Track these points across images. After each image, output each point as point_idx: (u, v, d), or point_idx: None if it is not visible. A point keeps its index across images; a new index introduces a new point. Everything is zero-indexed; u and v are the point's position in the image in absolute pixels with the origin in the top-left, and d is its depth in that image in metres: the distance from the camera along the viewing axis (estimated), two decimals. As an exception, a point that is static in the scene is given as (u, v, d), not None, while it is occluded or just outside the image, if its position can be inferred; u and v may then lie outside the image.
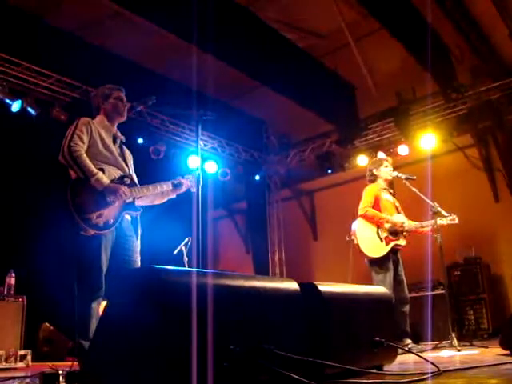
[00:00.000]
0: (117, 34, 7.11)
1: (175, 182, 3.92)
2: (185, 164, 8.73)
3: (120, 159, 3.79)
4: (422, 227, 5.58)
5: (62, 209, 3.46)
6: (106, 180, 3.51)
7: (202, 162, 4.02)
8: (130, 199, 3.66)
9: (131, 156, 4.04)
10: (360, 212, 5.61)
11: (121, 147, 3.92)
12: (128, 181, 3.71)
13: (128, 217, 3.80)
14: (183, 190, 3.97)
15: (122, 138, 3.93)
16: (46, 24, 6.88)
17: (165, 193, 3.94)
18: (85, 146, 3.56)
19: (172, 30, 6.77)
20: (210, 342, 1.89)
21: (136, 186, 3.77)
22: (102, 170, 3.57)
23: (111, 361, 1.97)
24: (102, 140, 3.71)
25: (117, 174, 3.70)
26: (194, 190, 3.90)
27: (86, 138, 3.59)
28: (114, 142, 3.85)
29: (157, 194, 3.91)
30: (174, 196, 4.03)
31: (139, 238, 5.43)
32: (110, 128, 3.85)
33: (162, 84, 7.69)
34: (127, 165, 3.85)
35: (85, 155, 3.51)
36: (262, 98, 8.92)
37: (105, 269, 3.53)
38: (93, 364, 2.11)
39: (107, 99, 3.89)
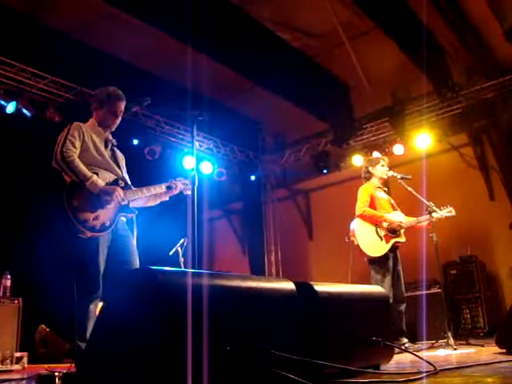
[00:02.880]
0: (112, 35, 7.09)
1: (168, 184, 3.96)
2: (180, 165, 8.71)
3: (112, 162, 3.81)
4: (420, 222, 5.58)
5: (57, 210, 3.49)
6: (100, 182, 3.54)
7: (197, 162, 4.04)
8: (125, 201, 3.68)
9: (124, 158, 4.06)
10: (357, 212, 5.62)
11: (113, 150, 3.93)
12: (122, 183, 3.73)
13: (123, 218, 3.81)
14: (176, 192, 4.00)
15: (114, 141, 3.94)
16: (41, 25, 6.86)
17: (158, 195, 3.98)
18: (77, 151, 3.58)
19: (167, 30, 6.77)
20: (206, 342, 1.89)
21: (130, 188, 3.79)
22: (95, 173, 3.59)
23: (108, 362, 1.97)
24: (95, 144, 3.73)
25: (110, 177, 3.72)
26: (188, 192, 3.94)
27: (78, 143, 3.60)
28: (106, 145, 3.86)
29: (150, 197, 3.95)
30: (167, 199, 4.06)
31: (135, 238, 5.46)
32: (101, 132, 3.86)
33: (158, 85, 7.66)
34: (119, 167, 3.86)
35: (78, 160, 3.53)
36: (257, 98, 8.92)
37: (102, 270, 3.55)
38: (89, 365, 2.10)
39: (101, 107, 3.89)
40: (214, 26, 6.15)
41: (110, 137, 3.92)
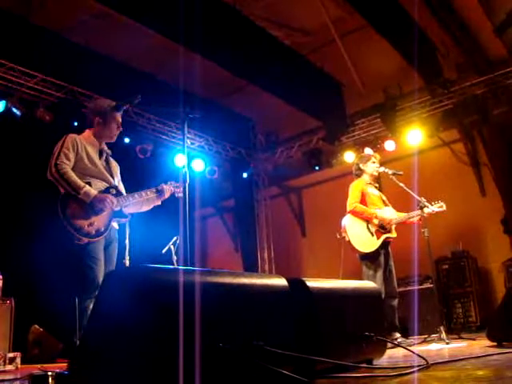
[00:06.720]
0: (103, 34, 7.06)
1: (158, 188, 4.11)
2: (172, 163, 8.70)
3: (105, 172, 3.96)
4: (411, 217, 5.61)
5: (51, 211, 3.65)
6: (93, 192, 3.70)
7: (189, 160, 4.07)
8: (118, 207, 3.85)
9: (118, 167, 4.21)
10: (348, 208, 5.63)
11: (107, 159, 4.08)
12: (114, 191, 3.90)
13: (115, 224, 3.98)
14: (167, 196, 4.15)
15: (109, 151, 4.10)
16: (31, 23, 6.81)
17: (150, 200, 4.12)
18: (70, 163, 3.74)
19: (159, 30, 6.74)
20: (198, 339, 1.89)
21: (122, 195, 3.95)
22: (88, 183, 3.76)
23: (100, 360, 1.96)
24: (88, 155, 3.87)
25: (103, 185, 3.88)
26: (179, 195, 4.06)
27: (71, 156, 3.76)
28: (101, 155, 4.01)
29: (143, 202, 4.09)
30: (159, 203, 4.20)
31: (128, 239, 5.53)
32: (96, 143, 4.00)
33: (150, 83, 7.64)
34: (113, 176, 4.01)
35: (71, 171, 3.69)
36: (249, 96, 8.92)
37: (102, 269, 3.71)
38: (82, 364, 2.10)
39: (99, 119, 3.99)
40: (206, 25, 6.14)
41: (106, 148, 4.08)
